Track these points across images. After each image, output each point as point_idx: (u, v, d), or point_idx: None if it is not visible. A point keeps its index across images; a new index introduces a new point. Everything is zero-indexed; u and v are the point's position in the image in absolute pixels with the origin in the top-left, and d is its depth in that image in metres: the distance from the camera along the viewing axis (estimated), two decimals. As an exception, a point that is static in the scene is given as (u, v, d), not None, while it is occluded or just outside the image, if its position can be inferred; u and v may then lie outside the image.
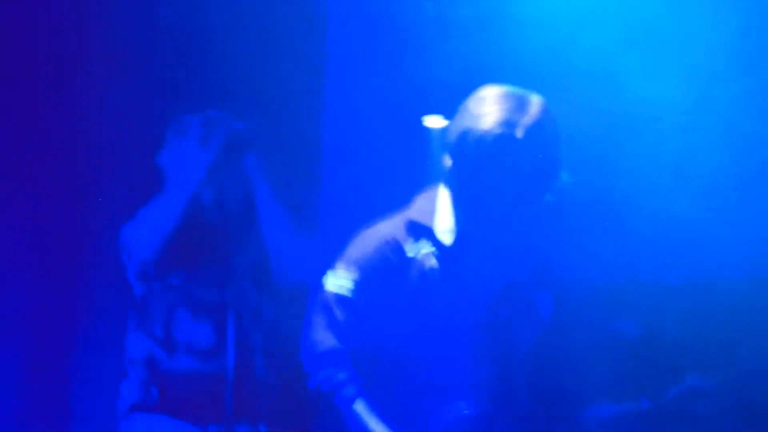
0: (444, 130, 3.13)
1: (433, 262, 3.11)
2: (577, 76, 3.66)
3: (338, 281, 3.11)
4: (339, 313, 3.09)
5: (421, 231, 3.12)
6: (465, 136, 2.97)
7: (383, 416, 3.06)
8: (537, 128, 2.95)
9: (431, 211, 3.14)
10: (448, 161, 3.05)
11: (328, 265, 3.61)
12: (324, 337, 3.09)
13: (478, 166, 2.97)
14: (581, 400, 3.16)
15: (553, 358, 3.12)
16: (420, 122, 3.90)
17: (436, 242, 3.11)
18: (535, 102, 2.99)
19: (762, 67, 3.66)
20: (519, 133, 2.93)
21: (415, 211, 3.16)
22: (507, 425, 3.11)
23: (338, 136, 4.00)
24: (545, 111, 2.99)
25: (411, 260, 3.11)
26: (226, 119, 3.71)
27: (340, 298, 3.10)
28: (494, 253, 3.11)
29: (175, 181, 3.74)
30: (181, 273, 3.72)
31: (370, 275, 3.10)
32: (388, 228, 3.14)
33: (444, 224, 3.12)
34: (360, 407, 3.06)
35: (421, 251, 3.11)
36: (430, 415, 3.10)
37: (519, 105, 2.97)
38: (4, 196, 4.05)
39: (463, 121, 2.99)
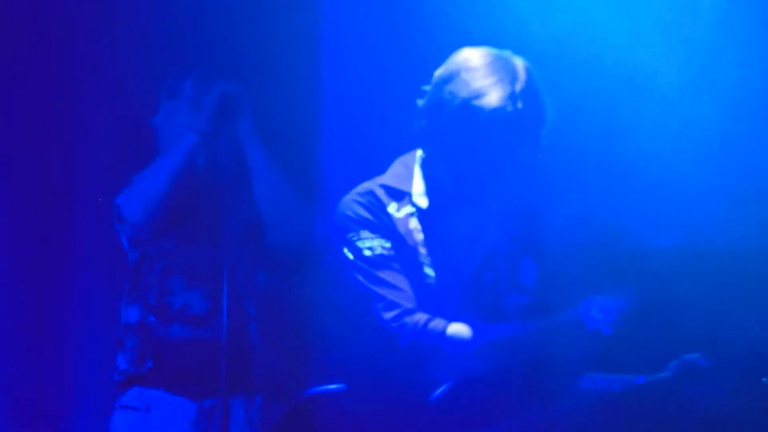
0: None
1: (414, 222, 3.11)
2: (574, 38, 3.62)
3: (372, 244, 3.10)
4: (391, 273, 3.08)
5: (397, 195, 3.14)
6: (466, 110, 2.95)
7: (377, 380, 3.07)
8: (530, 95, 2.98)
9: (407, 176, 3.15)
10: (428, 125, 3.05)
11: (323, 230, 3.58)
12: (398, 299, 3.07)
13: (481, 138, 2.96)
14: (575, 369, 3.11)
15: None
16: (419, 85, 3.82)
17: (414, 205, 3.12)
18: (520, 65, 3.01)
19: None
20: (520, 105, 2.94)
21: (388, 176, 3.18)
22: (499, 390, 3.06)
23: (336, 98, 3.94)
24: (531, 73, 3.02)
25: (394, 217, 3.11)
26: (219, 81, 3.65)
27: (384, 259, 3.09)
28: (478, 217, 3.12)
29: (167, 144, 3.69)
30: (174, 237, 3.67)
31: (378, 231, 3.11)
32: (365, 189, 3.17)
33: (420, 188, 3.13)
34: (456, 327, 3.02)
35: (403, 210, 3.12)
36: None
37: (511, 73, 2.98)
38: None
39: (459, 93, 2.97)
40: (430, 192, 3.12)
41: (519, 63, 3.01)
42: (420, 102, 3.12)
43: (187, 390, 3.60)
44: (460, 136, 2.99)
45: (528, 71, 3.00)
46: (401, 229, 3.10)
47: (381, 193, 3.14)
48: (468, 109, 2.95)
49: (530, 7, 3.64)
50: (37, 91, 4.02)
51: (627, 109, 3.58)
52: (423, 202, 3.12)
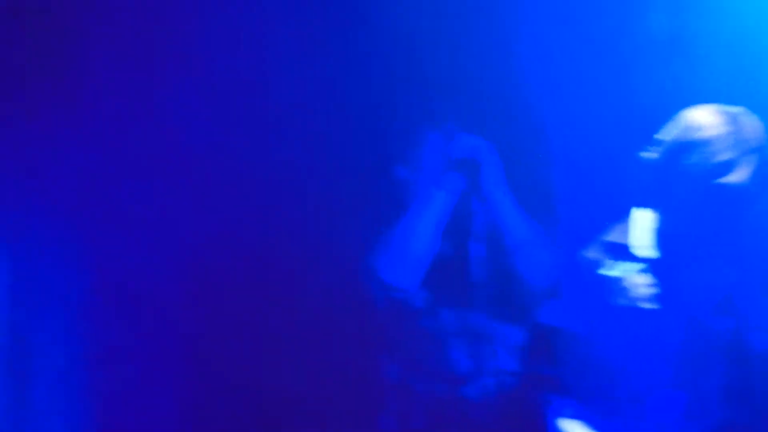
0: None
1: (636, 278, 3.13)
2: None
3: None
4: None
5: (617, 250, 3.17)
6: (708, 185, 3.02)
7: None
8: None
9: (632, 229, 3.19)
10: (661, 187, 3.11)
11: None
12: None
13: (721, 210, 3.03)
14: None
15: None
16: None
17: (637, 259, 3.15)
18: (756, 130, 3.08)
19: None
20: (759, 178, 3.03)
21: (613, 232, 3.23)
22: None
23: (574, 144, 3.96)
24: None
25: (608, 278, 3.15)
26: (465, 135, 3.69)
27: None
28: (712, 263, 3.12)
29: (419, 199, 3.73)
30: (428, 296, 3.73)
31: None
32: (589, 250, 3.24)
33: (644, 240, 3.17)
34: None
35: (620, 269, 3.16)
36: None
37: (750, 142, 3.04)
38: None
39: (699, 166, 3.03)
40: (657, 245, 3.15)
41: (754, 127, 3.07)
42: (646, 156, 3.16)
43: None
44: (698, 205, 3.06)
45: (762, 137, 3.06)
46: (618, 287, 3.14)
47: (598, 252, 3.19)
48: (711, 185, 3.02)
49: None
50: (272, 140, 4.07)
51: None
52: (648, 254, 3.16)
